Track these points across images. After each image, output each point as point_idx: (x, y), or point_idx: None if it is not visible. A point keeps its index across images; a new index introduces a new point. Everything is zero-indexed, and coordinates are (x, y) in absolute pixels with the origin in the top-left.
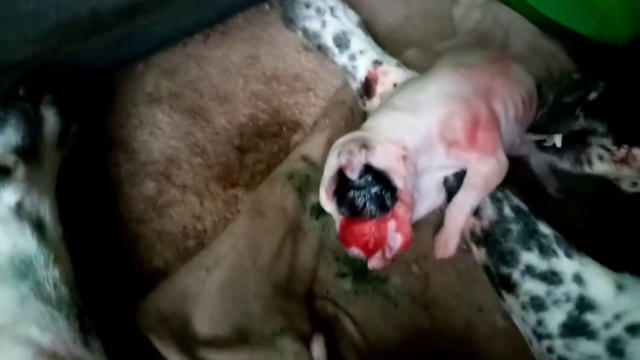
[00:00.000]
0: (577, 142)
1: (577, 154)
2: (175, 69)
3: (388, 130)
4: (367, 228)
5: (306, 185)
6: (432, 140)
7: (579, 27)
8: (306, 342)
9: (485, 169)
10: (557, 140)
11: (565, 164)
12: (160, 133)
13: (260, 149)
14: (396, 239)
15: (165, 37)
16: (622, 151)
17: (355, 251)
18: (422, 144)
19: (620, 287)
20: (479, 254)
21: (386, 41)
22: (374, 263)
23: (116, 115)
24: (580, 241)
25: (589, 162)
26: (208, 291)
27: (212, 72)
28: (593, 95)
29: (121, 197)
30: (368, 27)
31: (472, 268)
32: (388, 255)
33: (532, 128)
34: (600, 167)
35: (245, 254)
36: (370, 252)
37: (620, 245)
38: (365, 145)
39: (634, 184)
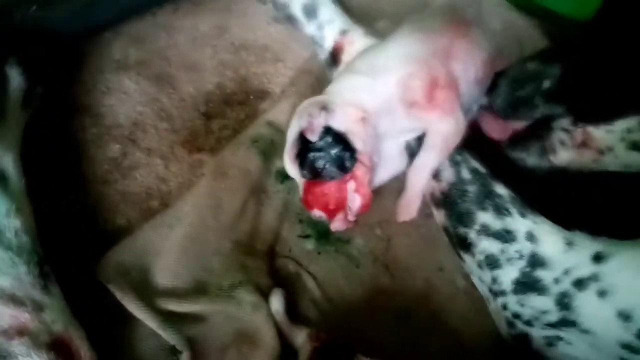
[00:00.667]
0: (541, 130)
1: (543, 144)
2: (143, 37)
3: (348, 93)
4: (328, 189)
5: (271, 149)
6: (392, 103)
7: (555, 5)
8: (265, 296)
9: (444, 128)
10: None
11: (532, 159)
12: (127, 98)
13: (227, 116)
14: (355, 200)
15: (133, 5)
16: (580, 131)
17: (317, 213)
18: (382, 106)
19: (569, 244)
20: (439, 215)
21: (360, 13)
22: (336, 224)
23: (83, 82)
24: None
25: (553, 151)
26: (169, 246)
27: (181, 41)
28: (547, 84)
29: (86, 159)
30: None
31: (434, 231)
32: (350, 217)
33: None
34: (563, 155)
35: (207, 211)
36: (331, 214)
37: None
38: (324, 108)
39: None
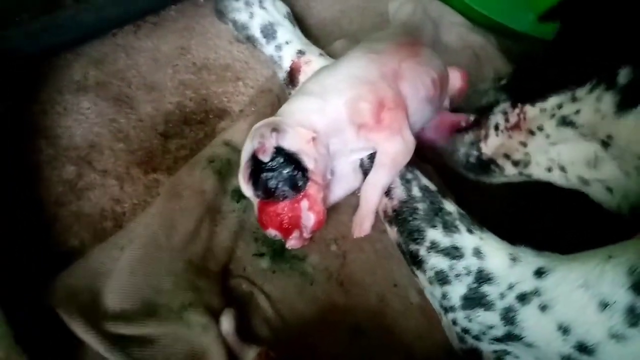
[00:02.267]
0: (482, 117)
1: (479, 131)
2: (103, 58)
3: (298, 114)
4: (282, 208)
5: (227, 168)
6: (341, 123)
7: (513, 23)
8: (216, 317)
9: (392, 148)
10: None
11: (464, 149)
12: (84, 120)
13: (185, 135)
14: (310, 218)
15: (93, 27)
16: (517, 111)
17: (272, 232)
18: (331, 126)
19: (514, 259)
20: (392, 232)
21: (320, 34)
22: (291, 242)
23: (41, 103)
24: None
25: (485, 137)
26: (119, 268)
27: (141, 62)
28: (503, 81)
29: (41, 180)
30: (302, 20)
31: (389, 247)
32: (305, 234)
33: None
34: (494, 141)
35: (159, 232)
36: (286, 232)
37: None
38: (276, 129)
39: (516, 163)
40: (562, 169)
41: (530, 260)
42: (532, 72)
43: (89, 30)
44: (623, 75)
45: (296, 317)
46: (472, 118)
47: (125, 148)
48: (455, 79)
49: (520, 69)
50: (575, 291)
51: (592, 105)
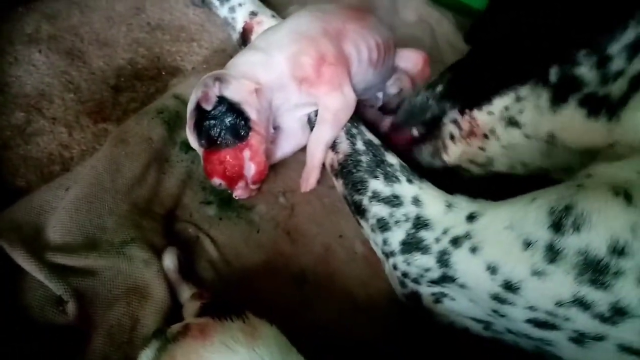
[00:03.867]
0: (434, 129)
1: (436, 143)
2: (57, 14)
3: (243, 66)
4: (224, 156)
5: (176, 120)
6: (284, 78)
7: (468, 0)
8: (159, 254)
9: (332, 103)
10: (414, 131)
11: (426, 157)
12: (35, 70)
13: (136, 90)
14: (251, 168)
15: None
16: (467, 118)
17: (217, 181)
18: (275, 81)
19: (449, 206)
20: (338, 185)
21: (277, 2)
22: (238, 192)
23: None
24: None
25: (445, 148)
26: (63, 205)
27: (95, 19)
28: (439, 88)
29: None
30: None
31: (336, 202)
32: (249, 185)
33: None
34: (454, 149)
35: (104, 175)
36: (230, 181)
37: None
38: (219, 79)
39: (482, 165)
40: (523, 163)
41: (464, 206)
42: (468, 76)
43: None
44: (553, 73)
45: (241, 262)
46: (415, 133)
47: (76, 98)
48: (417, 60)
49: (455, 76)
50: (502, 232)
51: (533, 102)
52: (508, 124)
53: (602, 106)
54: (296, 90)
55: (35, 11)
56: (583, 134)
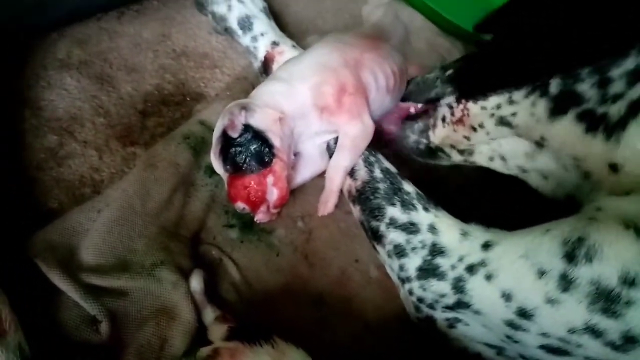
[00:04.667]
0: (431, 109)
1: (427, 121)
2: (87, 39)
3: (267, 96)
4: (249, 182)
5: (201, 145)
6: (306, 107)
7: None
8: (186, 276)
9: (352, 131)
10: (413, 109)
11: (414, 136)
12: (67, 94)
13: (163, 115)
14: (274, 193)
15: (78, 10)
16: (461, 107)
17: (240, 205)
18: (297, 109)
19: (464, 234)
20: (355, 211)
21: (295, 31)
22: (259, 216)
23: (26, 78)
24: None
25: (434, 127)
26: (96, 227)
27: (123, 45)
28: (449, 71)
29: (23, 146)
30: (279, 18)
31: (352, 226)
32: (271, 209)
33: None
34: (440, 131)
35: (135, 198)
36: (253, 205)
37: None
38: (245, 108)
39: (461, 152)
40: (503, 158)
41: (479, 235)
42: (474, 69)
43: (73, 13)
44: (554, 85)
45: (262, 285)
46: (419, 107)
47: (106, 122)
48: (412, 71)
49: (464, 65)
50: (517, 261)
51: (527, 109)
52: (499, 122)
53: (600, 123)
54: (317, 118)
55: (66, 37)
56: (577, 144)
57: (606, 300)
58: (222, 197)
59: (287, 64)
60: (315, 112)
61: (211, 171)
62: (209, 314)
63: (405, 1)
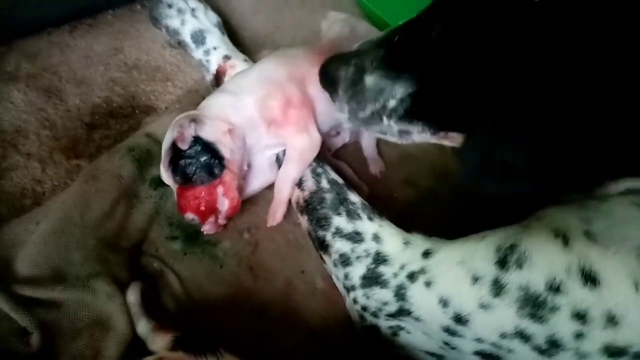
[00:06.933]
0: None
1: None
2: (37, 53)
3: (215, 108)
4: (199, 192)
5: (146, 158)
6: (254, 119)
7: None
8: (122, 288)
9: (299, 143)
10: None
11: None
12: (13, 107)
13: (110, 127)
14: (224, 203)
15: (28, 24)
16: (442, 134)
17: (190, 216)
18: (246, 121)
19: (406, 243)
20: (303, 221)
21: (252, 45)
22: (207, 227)
23: None
24: None
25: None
26: (33, 239)
27: (74, 59)
28: (392, 103)
29: None
30: (237, 32)
31: (300, 238)
32: (220, 220)
33: None
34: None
35: (73, 210)
36: (203, 216)
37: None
38: (194, 120)
39: None
40: None
41: (420, 243)
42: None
43: (24, 27)
44: None
45: (204, 296)
46: None
47: (51, 135)
48: None
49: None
50: (454, 267)
51: None
52: None
53: None
54: (265, 131)
55: (16, 50)
56: None
57: (534, 305)
58: (166, 209)
59: (235, 77)
60: (264, 125)
61: (156, 183)
62: (144, 325)
63: (363, 16)
